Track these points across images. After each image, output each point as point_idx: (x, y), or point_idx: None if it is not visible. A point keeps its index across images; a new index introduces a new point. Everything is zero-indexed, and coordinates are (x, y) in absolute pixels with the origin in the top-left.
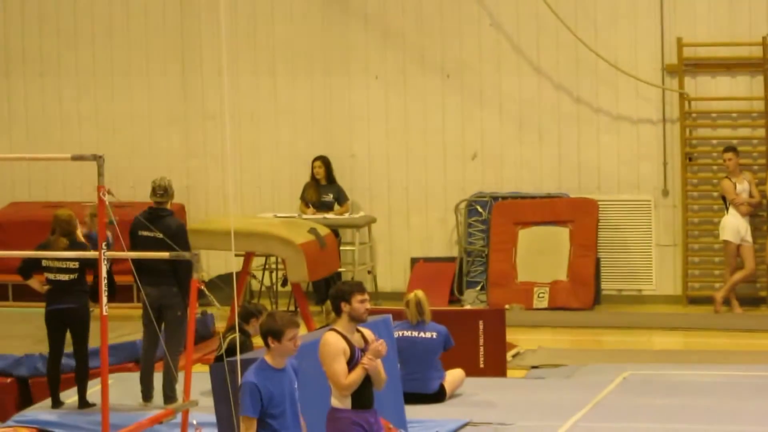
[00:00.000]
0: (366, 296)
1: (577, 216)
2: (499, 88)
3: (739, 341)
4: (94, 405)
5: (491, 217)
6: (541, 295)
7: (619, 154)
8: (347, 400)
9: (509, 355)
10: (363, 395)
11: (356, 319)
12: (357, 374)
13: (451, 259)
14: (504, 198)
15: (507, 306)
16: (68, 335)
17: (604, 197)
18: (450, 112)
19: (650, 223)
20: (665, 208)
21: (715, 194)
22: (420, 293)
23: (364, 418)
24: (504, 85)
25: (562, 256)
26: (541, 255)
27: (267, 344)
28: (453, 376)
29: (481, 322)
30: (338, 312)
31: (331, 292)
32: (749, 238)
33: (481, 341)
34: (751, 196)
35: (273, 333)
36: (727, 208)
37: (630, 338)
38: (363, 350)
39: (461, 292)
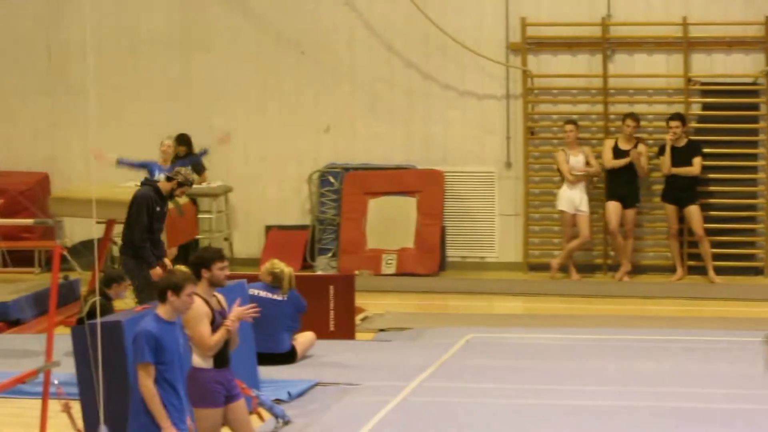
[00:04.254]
0: (226, 263)
1: (424, 186)
2: (352, 65)
3: (575, 306)
4: None
5: (343, 187)
6: (389, 261)
7: (465, 128)
8: (210, 360)
9: (358, 318)
10: (223, 355)
11: (215, 285)
12: (221, 335)
13: (304, 227)
14: (355, 169)
15: (356, 272)
16: None
17: (450, 169)
18: (304, 87)
19: (494, 193)
20: (508, 179)
21: (555, 167)
22: (292, 270)
23: (223, 377)
24: (356, 61)
25: (410, 224)
26: (390, 223)
27: (165, 298)
28: (304, 338)
29: (331, 287)
30: (198, 277)
31: (191, 258)
32: (584, 208)
33: (332, 305)
34: (589, 166)
35: (173, 287)
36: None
37: (473, 303)
38: (221, 313)
39: (313, 259)
